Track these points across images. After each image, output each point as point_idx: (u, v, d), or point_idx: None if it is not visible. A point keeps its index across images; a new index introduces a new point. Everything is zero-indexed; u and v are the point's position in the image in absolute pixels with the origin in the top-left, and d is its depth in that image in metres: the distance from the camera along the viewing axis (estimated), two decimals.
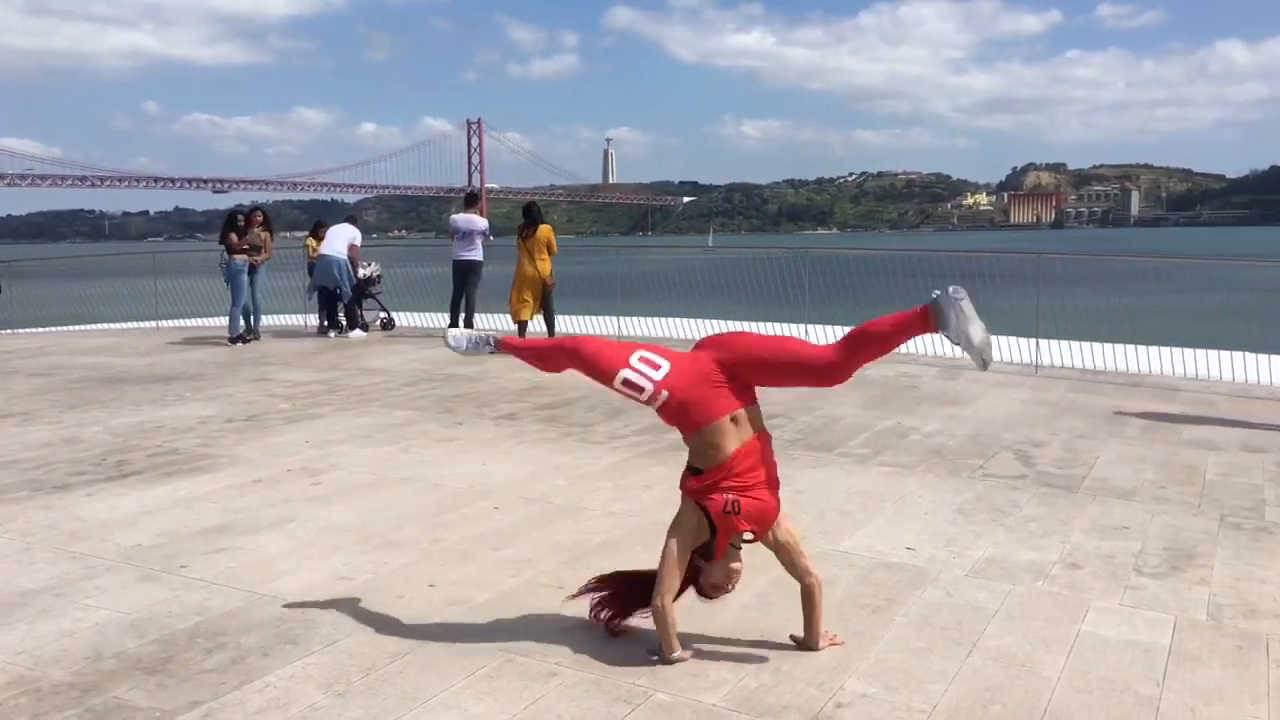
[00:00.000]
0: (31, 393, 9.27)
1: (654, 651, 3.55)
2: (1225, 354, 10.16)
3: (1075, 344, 10.74)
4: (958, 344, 3.40)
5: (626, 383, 3.55)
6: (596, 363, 3.65)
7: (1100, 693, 3.33)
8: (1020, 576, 4.40)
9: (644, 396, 3.54)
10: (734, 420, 3.48)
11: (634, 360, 3.58)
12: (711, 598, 3.70)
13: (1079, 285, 14.80)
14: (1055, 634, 3.80)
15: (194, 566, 4.51)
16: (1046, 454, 6.65)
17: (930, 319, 3.39)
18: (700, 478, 3.52)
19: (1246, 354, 10.08)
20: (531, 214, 12.52)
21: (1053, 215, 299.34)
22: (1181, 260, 12.42)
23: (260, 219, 13.22)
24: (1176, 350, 10.33)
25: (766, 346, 3.60)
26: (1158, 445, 6.93)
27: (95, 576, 4.40)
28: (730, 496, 3.45)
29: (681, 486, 3.63)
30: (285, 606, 4.04)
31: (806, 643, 3.62)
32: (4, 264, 17.62)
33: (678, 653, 3.52)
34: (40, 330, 16.17)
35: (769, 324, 12.92)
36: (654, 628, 3.57)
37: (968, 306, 3.36)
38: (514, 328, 12.57)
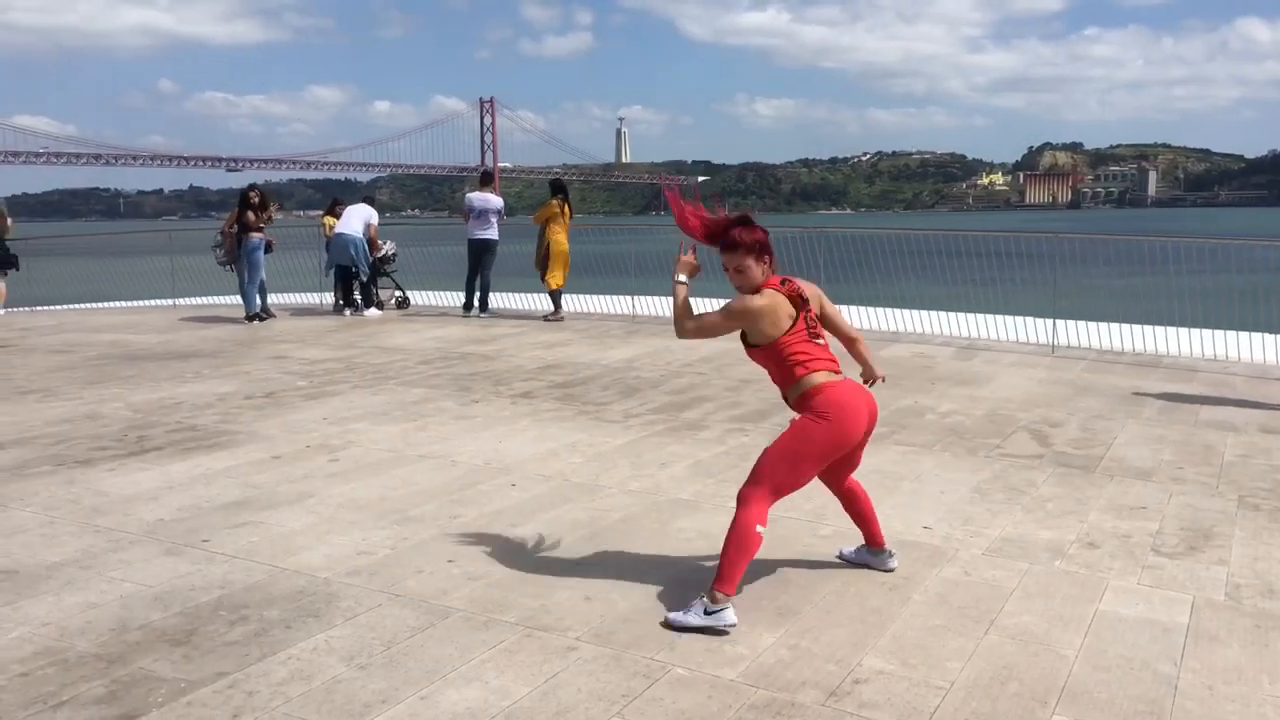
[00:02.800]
0: (51, 369, 9.34)
1: None
2: (1243, 335, 10.11)
3: (1092, 324, 10.70)
4: None
5: None
6: None
7: (1118, 671, 3.34)
8: (1038, 556, 4.41)
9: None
10: None
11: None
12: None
13: (1095, 265, 14.72)
14: (1073, 613, 3.81)
15: (216, 540, 4.56)
16: (1063, 434, 6.64)
17: None
18: None
19: (1265, 335, 10.01)
20: (567, 191, 13.22)
21: (1069, 195, 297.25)
22: (1199, 240, 12.29)
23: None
24: (1194, 331, 10.26)
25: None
26: (1175, 426, 6.90)
27: (119, 550, 4.44)
28: None
29: None
30: (306, 580, 4.08)
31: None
32: (21, 241, 17.73)
33: None
34: (58, 308, 16.26)
35: None
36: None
37: None
38: (545, 303, 13.08)
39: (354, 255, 13.36)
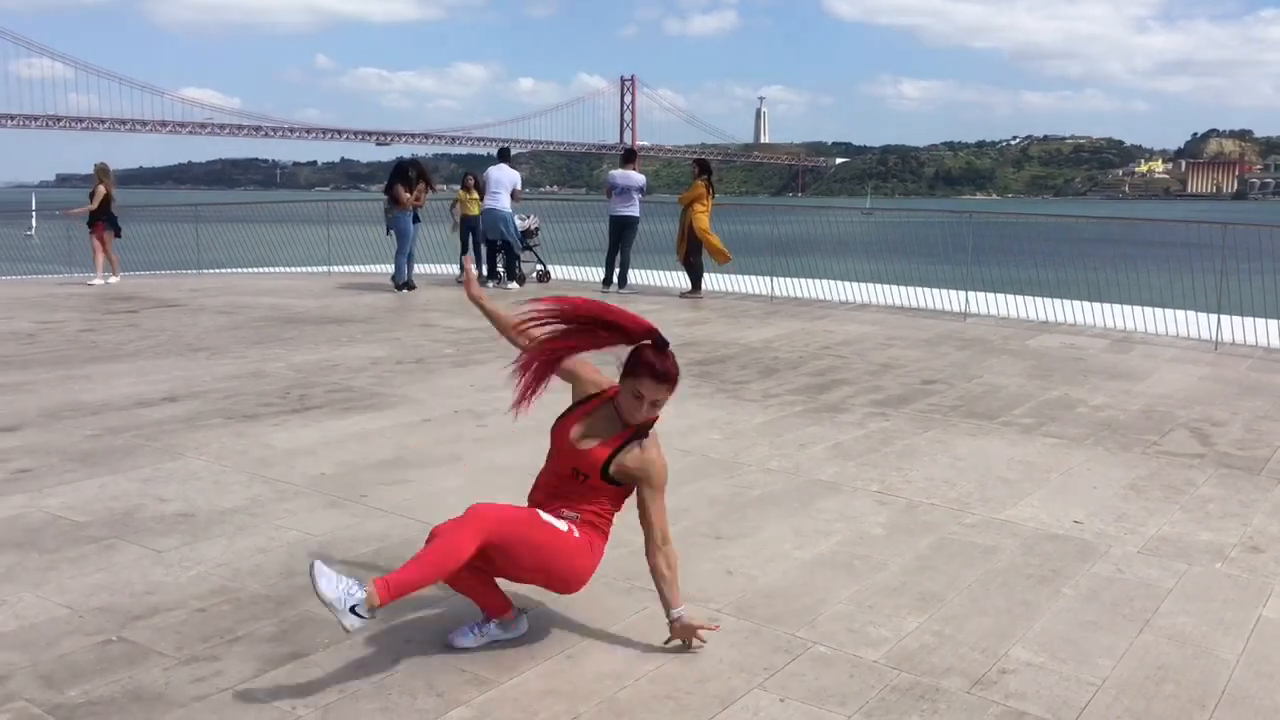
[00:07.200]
0: (218, 329, 9.89)
1: None
2: None
3: (1260, 321, 10.14)
4: None
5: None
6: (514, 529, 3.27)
7: None
8: (1197, 557, 4.24)
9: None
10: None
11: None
12: None
13: (1266, 259, 13.92)
14: (1234, 617, 3.66)
15: (373, 496, 4.78)
16: (1226, 434, 6.34)
17: None
18: None
19: None
20: (711, 171, 13.50)
21: (1234, 185, 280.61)
22: None
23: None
24: None
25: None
26: None
27: (285, 500, 4.71)
28: None
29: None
30: None
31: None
32: (190, 208, 18.78)
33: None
34: (223, 271, 17.15)
35: (928, 289, 12.63)
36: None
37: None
38: (685, 282, 13.28)
39: (504, 230, 13.63)
